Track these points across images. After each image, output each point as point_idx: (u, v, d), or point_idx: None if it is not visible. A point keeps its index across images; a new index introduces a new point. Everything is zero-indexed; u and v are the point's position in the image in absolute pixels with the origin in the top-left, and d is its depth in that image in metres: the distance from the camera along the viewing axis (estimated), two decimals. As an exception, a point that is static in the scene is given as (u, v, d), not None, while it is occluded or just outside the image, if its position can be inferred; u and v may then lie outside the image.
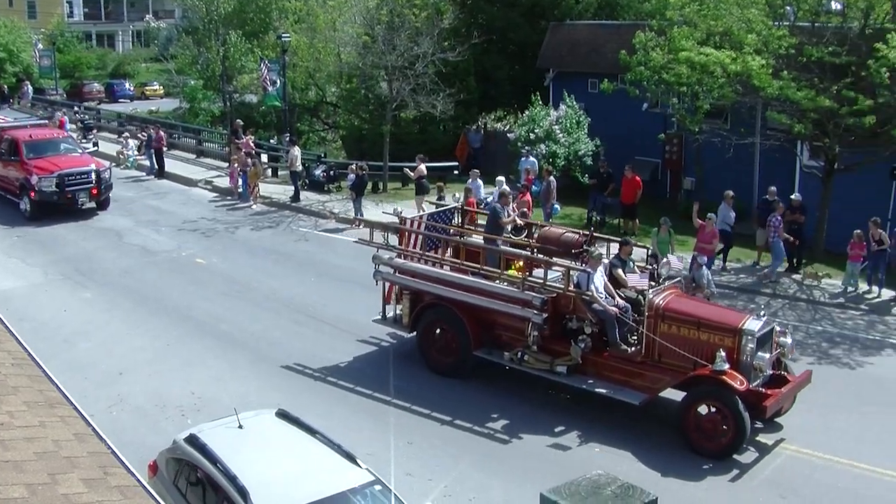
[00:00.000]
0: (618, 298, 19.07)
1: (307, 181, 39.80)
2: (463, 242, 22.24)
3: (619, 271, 19.72)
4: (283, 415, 13.74)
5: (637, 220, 33.09)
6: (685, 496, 15.97)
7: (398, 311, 21.95)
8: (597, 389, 18.61)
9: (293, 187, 38.38)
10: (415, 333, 21.51)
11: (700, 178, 35.80)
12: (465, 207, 24.80)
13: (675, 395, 18.23)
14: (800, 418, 18.56)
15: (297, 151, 38.35)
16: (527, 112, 38.63)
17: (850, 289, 27.23)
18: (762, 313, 18.77)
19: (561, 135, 36.69)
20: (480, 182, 33.55)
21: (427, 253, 21.90)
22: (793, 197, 29.73)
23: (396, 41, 36.74)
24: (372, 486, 12.24)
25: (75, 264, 28.97)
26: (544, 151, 36.09)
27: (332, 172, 40.41)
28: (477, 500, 15.69)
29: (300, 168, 38.67)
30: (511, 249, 21.47)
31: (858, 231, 26.95)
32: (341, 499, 11.94)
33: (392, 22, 37.29)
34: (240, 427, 13.07)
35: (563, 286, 18.99)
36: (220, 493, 11.89)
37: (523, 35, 46.10)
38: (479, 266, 20.60)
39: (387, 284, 22.05)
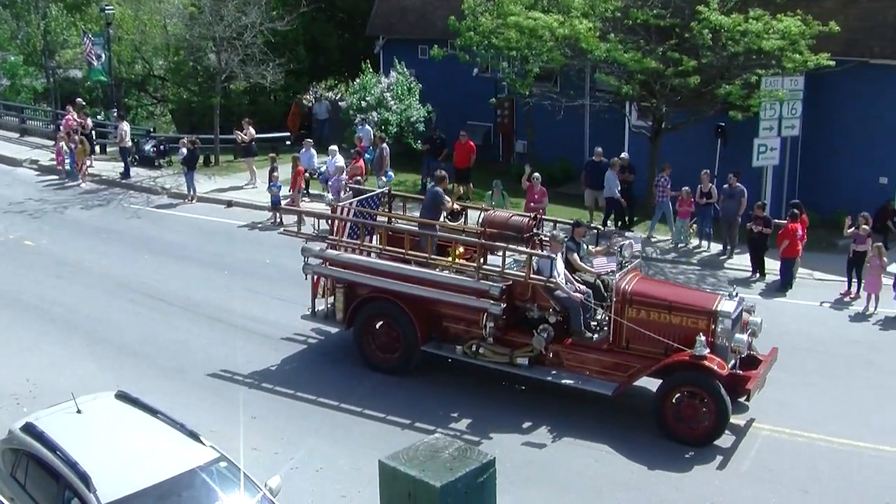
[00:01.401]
0: (577, 284, 18.32)
1: (137, 157, 38.83)
2: (407, 231, 20.18)
3: (575, 255, 18.84)
4: (122, 396, 13.48)
5: (471, 185, 33.31)
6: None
7: (329, 306, 20.43)
8: (563, 381, 17.77)
9: (123, 164, 37.49)
10: (350, 329, 19.97)
11: (531, 141, 36.22)
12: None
13: (645, 382, 17.76)
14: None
15: (125, 127, 37.40)
16: (358, 80, 38.48)
17: (680, 244, 28.00)
18: (734, 293, 18.12)
19: (392, 102, 36.67)
20: (313, 151, 33.52)
21: (366, 243, 20.05)
22: (622, 156, 30.35)
23: (224, 11, 36.05)
24: (217, 463, 12.12)
25: None
26: (376, 119, 36.01)
27: (162, 147, 39.52)
28: (324, 470, 15.66)
29: (129, 144, 37.71)
30: (466, 238, 20.12)
31: (686, 188, 27.72)
32: (186, 478, 11.80)
33: (218, -8, 36.67)
34: (78, 412, 12.78)
35: (521, 273, 18.09)
36: (61, 481, 11.61)
37: (352, 3, 45.86)
38: (426, 255, 19.14)
39: (315, 278, 20.44)
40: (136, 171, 37.57)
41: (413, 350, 19.03)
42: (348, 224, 20.41)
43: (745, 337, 17.28)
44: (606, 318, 17.98)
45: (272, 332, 21.50)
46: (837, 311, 23.56)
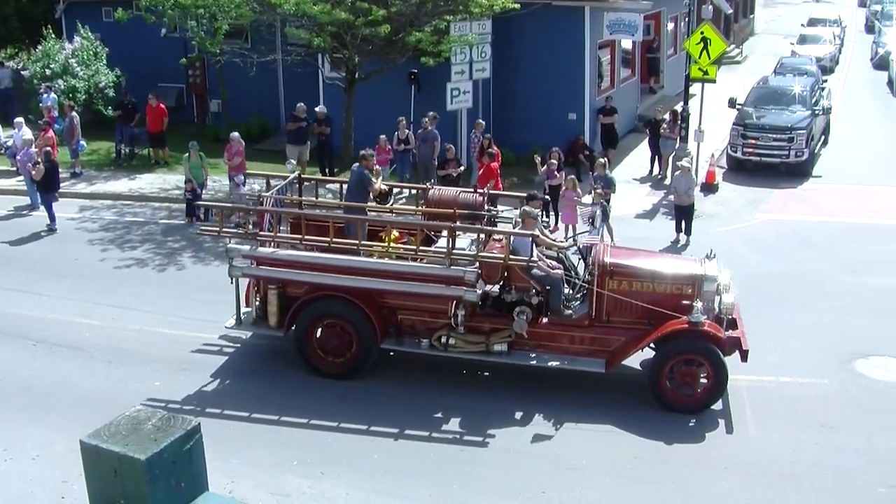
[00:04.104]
0: (547, 260, 17.46)
1: None
2: (360, 220, 18.44)
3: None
4: None
5: (167, 148, 32.73)
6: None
7: (256, 311, 18.22)
8: (550, 363, 16.94)
9: None
10: (286, 334, 17.92)
11: (225, 100, 35.79)
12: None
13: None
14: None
15: None
16: (40, 47, 36.89)
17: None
18: (712, 254, 17.63)
19: (79, 68, 35.33)
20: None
21: (310, 237, 17.77)
22: (317, 109, 30.40)
23: None
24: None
25: None
26: (63, 87, 34.66)
27: None
28: (41, 457, 15.05)
29: None
30: (438, 223, 18.33)
31: (383, 136, 28.06)
32: None
33: None
34: None
35: (499, 256, 16.80)
36: None
37: (27, -35, 43.91)
38: (385, 244, 17.70)
39: (247, 281, 18.33)
40: None
41: (370, 349, 17.41)
42: (267, 217, 18.08)
43: (732, 298, 16.92)
44: (579, 292, 17.44)
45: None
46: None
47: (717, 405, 16.63)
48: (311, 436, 15.73)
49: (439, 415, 16.33)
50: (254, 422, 16.11)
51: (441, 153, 27.87)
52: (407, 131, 28.61)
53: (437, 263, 17.08)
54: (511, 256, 16.66)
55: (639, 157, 33.30)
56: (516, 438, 15.72)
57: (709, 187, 29.77)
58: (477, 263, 16.81)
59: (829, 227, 26.88)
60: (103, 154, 33.65)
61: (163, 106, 32.76)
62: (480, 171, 25.84)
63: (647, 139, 32.62)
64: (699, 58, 29.30)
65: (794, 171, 31.66)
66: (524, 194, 19.52)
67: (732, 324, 16.91)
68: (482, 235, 17.59)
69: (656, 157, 31.70)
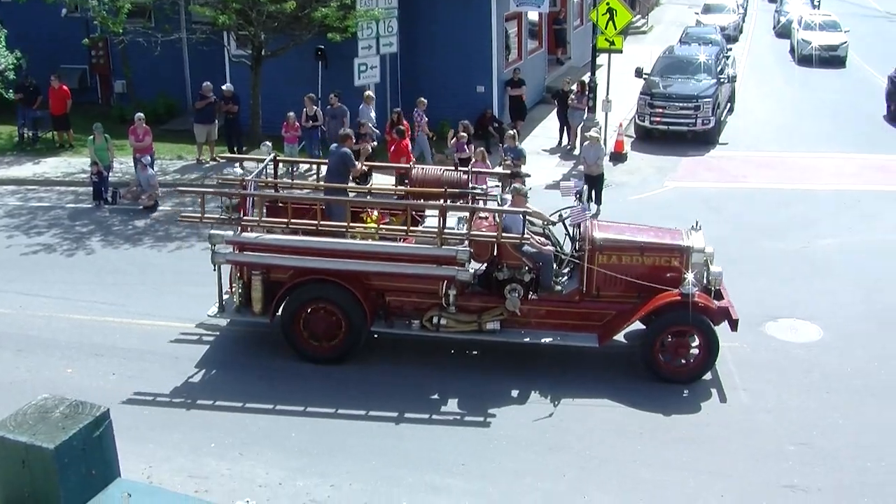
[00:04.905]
0: (536, 237, 17.29)
1: None
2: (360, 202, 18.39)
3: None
4: None
5: (71, 131, 32.13)
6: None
7: (238, 298, 17.71)
8: (543, 340, 16.96)
9: None
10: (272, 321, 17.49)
11: (130, 80, 35.24)
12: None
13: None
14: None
15: None
16: (-67, 30, 36.08)
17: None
18: (697, 226, 17.74)
19: (-24, 51, 34.64)
20: None
21: (296, 220, 17.19)
22: (224, 87, 30.06)
23: None
24: None
25: None
26: (-39, 71, 33.94)
27: None
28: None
29: None
30: (430, 203, 18.02)
31: (291, 113, 27.89)
32: None
33: None
34: None
35: (491, 233, 16.70)
36: None
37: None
38: (375, 227, 17.55)
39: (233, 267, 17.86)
40: None
41: (360, 332, 17.10)
42: (250, 201, 17.78)
43: (720, 269, 16.99)
44: (565, 267, 17.53)
45: None
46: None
47: (640, 373, 16.87)
48: (228, 417, 15.57)
49: (356, 391, 16.30)
50: (169, 405, 15.94)
51: (353, 128, 27.69)
52: (315, 108, 28.43)
53: (427, 243, 16.90)
54: (503, 234, 16.61)
55: (548, 129, 33.49)
56: (436, 413, 15.76)
57: (618, 157, 30.04)
58: (467, 242, 16.68)
59: (737, 193, 27.33)
60: (5, 138, 32.99)
61: (66, 88, 32.17)
62: (391, 149, 25.70)
63: (555, 110, 32.81)
64: (605, 28, 29.48)
65: (701, 139, 32.08)
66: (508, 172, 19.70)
67: (718, 294, 17.05)
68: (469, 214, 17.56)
69: (565, 128, 31.89)
